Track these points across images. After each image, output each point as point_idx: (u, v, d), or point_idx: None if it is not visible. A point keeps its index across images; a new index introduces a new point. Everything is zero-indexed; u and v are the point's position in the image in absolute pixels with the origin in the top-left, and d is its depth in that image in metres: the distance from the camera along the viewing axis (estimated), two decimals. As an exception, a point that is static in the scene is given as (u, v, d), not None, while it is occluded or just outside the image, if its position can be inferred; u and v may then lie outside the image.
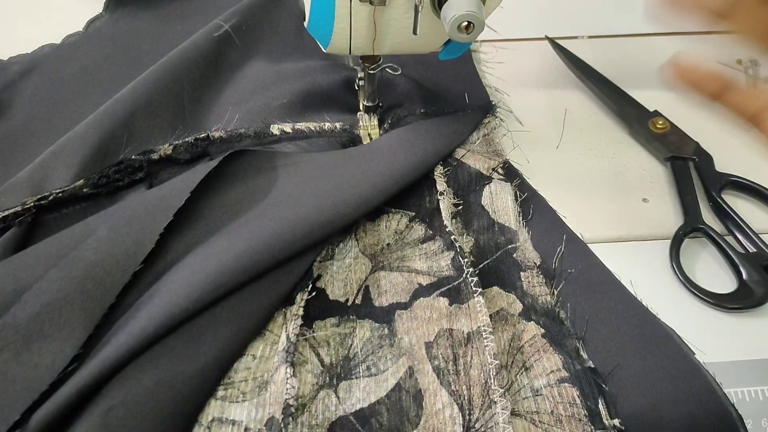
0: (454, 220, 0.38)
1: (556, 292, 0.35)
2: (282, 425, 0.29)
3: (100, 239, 0.31)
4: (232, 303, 0.31)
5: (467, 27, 0.31)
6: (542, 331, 0.33)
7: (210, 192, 0.35)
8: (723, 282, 0.37)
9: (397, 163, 0.38)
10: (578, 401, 0.30)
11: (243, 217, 0.34)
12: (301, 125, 0.43)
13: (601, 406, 0.30)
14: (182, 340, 0.29)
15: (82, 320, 0.29)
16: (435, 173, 0.41)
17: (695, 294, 0.36)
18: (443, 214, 0.38)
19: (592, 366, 0.32)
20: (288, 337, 0.32)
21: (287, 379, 0.30)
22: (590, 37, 0.56)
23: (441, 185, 0.40)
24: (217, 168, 0.37)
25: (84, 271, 0.30)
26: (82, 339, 0.28)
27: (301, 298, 0.34)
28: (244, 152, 0.38)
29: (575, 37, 0.55)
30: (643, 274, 0.37)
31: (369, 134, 0.44)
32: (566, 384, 0.31)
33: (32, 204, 0.36)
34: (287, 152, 0.40)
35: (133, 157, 0.39)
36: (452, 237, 0.37)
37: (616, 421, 0.30)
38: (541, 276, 0.36)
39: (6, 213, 0.36)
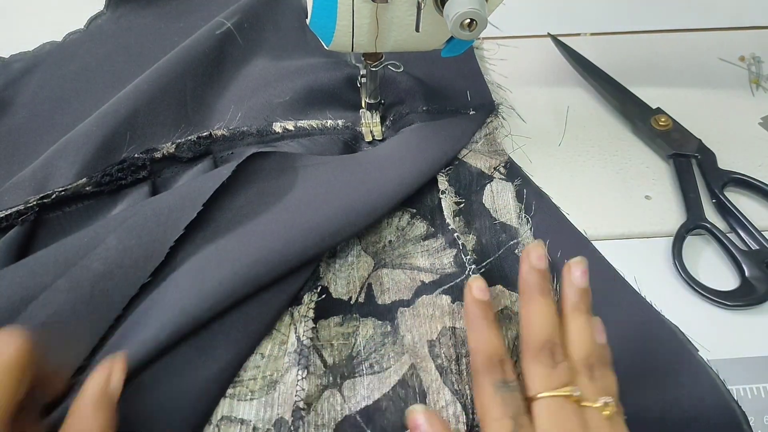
0: (456, 219, 0.38)
1: (557, 287, 0.35)
2: (292, 428, 0.29)
3: (109, 249, 0.31)
4: (242, 307, 0.31)
5: (470, 24, 0.31)
6: None
7: (219, 195, 0.34)
8: (725, 279, 0.37)
9: (406, 170, 0.38)
10: None
11: (254, 222, 0.34)
12: (303, 123, 0.43)
13: None
14: (195, 346, 0.29)
15: (87, 332, 0.29)
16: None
17: (698, 291, 0.36)
18: (445, 213, 0.38)
19: None
20: (299, 339, 0.32)
21: (298, 381, 0.30)
22: (593, 34, 0.55)
23: (443, 184, 0.40)
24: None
25: (92, 282, 0.30)
26: (86, 352, 0.28)
27: (310, 299, 0.34)
28: (254, 155, 0.38)
29: (578, 35, 0.55)
30: (646, 272, 0.37)
31: (371, 131, 0.44)
32: None
33: (35, 202, 0.36)
34: (297, 154, 0.40)
35: (136, 155, 0.39)
36: (455, 234, 0.37)
37: None
38: None
39: (9, 211, 0.36)
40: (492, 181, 0.41)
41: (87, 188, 0.37)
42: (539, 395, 0.26)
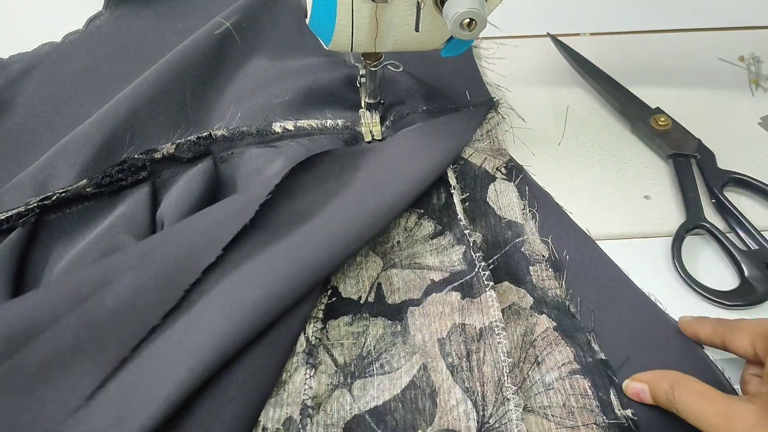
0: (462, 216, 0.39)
1: (564, 285, 0.36)
2: (300, 426, 0.29)
3: (123, 287, 0.30)
4: (266, 331, 0.30)
5: (469, 24, 0.31)
6: (554, 324, 0.33)
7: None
8: (725, 279, 0.37)
9: (416, 170, 0.38)
10: (590, 392, 0.31)
11: (278, 241, 0.33)
12: (303, 122, 0.43)
13: (612, 397, 0.30)
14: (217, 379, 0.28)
15: (91, 371, 0.28)
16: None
17: (697, 291, 0.36)
18: (457, 208, 0.38)
19: (604, 358, 0.32)
20: (308, 339, 0.32)
21: (306, 380, 0.30)
22: (592, 34, 0.55)
23: (452, 180, 0.40)
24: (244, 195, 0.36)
25: (102, 320, 0.29)
26: (88, 391, 0.27)
27: (320, 301, 0.34)
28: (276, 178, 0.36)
29: (577, 34, 0.55)
30: (645, 272, 0.37)
31: (371, 131, 0.44)
32: (578, 376, 0.31)
33: (36, 204, 0.36)
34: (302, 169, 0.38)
35: (135, 156, 0.39)
36: (465, 231, 0.37)
37: (629, 411, 0.30)
38: (550, 269, 0.36)
39: (10, 213, 0.36)
40: (495, 180, 0.42)
41: (87, 189, 0.37)
42: None
